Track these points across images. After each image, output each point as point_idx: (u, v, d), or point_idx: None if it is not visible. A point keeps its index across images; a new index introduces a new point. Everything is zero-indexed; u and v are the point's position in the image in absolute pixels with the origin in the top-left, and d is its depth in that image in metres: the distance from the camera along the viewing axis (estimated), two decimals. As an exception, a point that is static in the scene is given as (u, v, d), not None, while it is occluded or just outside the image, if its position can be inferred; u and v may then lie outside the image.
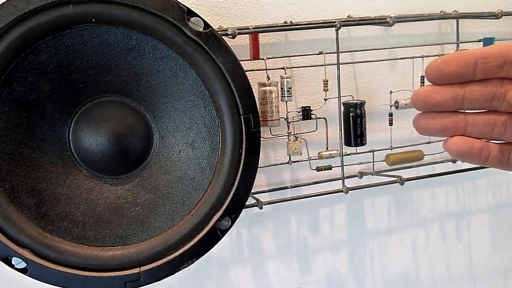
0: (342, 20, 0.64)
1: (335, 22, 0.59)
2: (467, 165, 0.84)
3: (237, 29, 0.60)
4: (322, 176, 0.74)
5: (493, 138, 0.26)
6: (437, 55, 0.75)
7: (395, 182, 0.69)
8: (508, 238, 0.96)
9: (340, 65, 0.73)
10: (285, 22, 0.68)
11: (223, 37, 0.55)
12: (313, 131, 0.70)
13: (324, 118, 0.70)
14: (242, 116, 0.55)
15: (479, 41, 0.77)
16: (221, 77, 0.53)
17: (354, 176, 0.77)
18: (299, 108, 0.68)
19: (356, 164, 0.76)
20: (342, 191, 0.66)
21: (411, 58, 0.73)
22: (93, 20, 0.50)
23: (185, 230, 0.56)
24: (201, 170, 0.57)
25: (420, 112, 0.27)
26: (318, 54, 0.69)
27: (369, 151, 0.75)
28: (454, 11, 0.78)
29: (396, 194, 0.84)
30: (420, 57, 0.73)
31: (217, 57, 0.53)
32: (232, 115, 0.55)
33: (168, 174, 0.58)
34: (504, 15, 0.71)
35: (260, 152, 0.74)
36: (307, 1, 0.72)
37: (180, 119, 0.57)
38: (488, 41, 0.75)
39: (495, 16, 0.68)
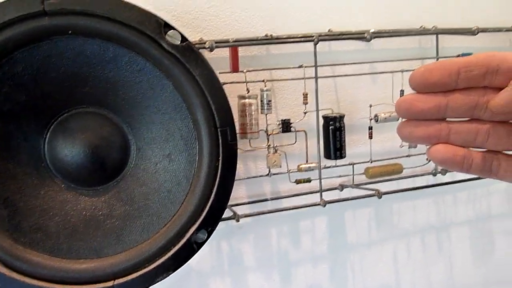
0: (322, 34, 0.65)
1: (313, 36, 0.60)
2: (447, 178, 0.85)
3: (216, 42, 0.60)
4: (302, 189, 0.74)
5: (476, 146, 0.27)
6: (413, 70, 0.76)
7: (373, 196, 0.70)
8: (488, 251, 0.96)
9: (321, 79, 0.74)
10: (266, 35, 0.68)
11: (201, 50, 0.55)
12: (293, 144, 0.70)
13: (304, 131, 0.70)
14: (219, 129, 0.55)
15: (458, 56, 0.78)
16: (198, 90, 0.54)
17: (335, 188, 0.78)
18: (280, 120, 0.68)
19: (336, 177, 0.76)
20: (319, 205, 0.66)
21: (391, 72, 0.74)
22: (69, 31, 0.50)
23: (160, 243, 0.56)
24: (178, 182, 0.57)
25: (404, 120, 0.27)
26: (298, 67, 0.69)
27: (349, 164, 0.75)
28: (433, 26, 0.79)
29: (377, 207, 0.84)
30: (400, 71, 0.74)
31: (194, 70, 0.53)
32: (209, 128, 0.55)
33: (144, 186, 0.58)
34: (481, 31, 0.72)
35: (241, 164, 0.75)
36: (289, 14, 0.73)
37: (157, 131, 0.57)
38: (465, 56, 0.76)
39: (471, 32, 0.69)
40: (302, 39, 0.62)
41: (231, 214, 0.66)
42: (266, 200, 0.74)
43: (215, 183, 0.56)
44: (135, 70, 0.54)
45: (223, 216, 0.59)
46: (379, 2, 0.79)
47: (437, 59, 0.80)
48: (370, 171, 0.72)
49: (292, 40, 0.63)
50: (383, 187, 0.80)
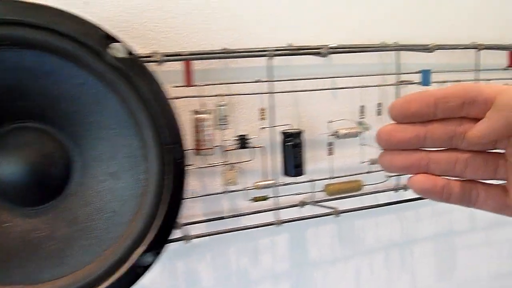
0: (278, 48, 0.63)
1: (266, 52, 0.58)
2: (409, 195, 0.84)
3: (168, 56, 0.58)
4: (261, 206, 0.72)
5: (455, 175, 0.27)
6: (377, 86, 0.76)
7: (330, 214, 0.68)
8: (451, 266, 0.96)
9: (281, 93, 0.73)
10: (223, 49, 0.67)
11: (152, 63, 0.53)
12: (250, 161, 0.68)
13: (262, 147, 0.68)
14: (166, 147, 0.52)
15: (418, 72, 0.78)
16: (144, 105, 0.51)
17: (296, 205, 0.76)
18: (237, 136, 0.66)
19: (294, 194, 0.74)
20: (274, 224, 0.64)
21: (350, 88, 0.73)
22: (7, 42, 0.47)
23: (105, 266, 0.53)
24: (124, 202, 0.54)
25: (384, 150, 0.28)
26: (254, 82, 0.67)
27: (309, 181, 0.73)
28: (394, 42, 0.79)
29: (339, 224, 0.83)
30: (359, 87, 0.73)
31: (140, 85, 0.50)
32: (157, 145, 0.52)
33: (88, 206, 0.55)
34: (438, 49, 0.72)
35: (197, 181, 0.72)
36: (248, 27, 0.72)
37: (102, 148, 0.54)
38: (425, 73, 0.76)
39: (428, 49, 0.69)
40: (257, 53, 0.60)
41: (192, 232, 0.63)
42: (222, 218, 0.71)
43: (162, 203, 0.53)
44: (77, 84, 0.51)
45: (174, 237, 0.57)
46: (341, 17, 0.78)
47: (398, 75, 0.80)
48: (329, 188, 0.71)
49: (246, 54, 0.62)
50: (345, 203, 0.80)
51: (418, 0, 0.83)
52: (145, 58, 0.54)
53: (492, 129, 0.24)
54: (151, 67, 0.52)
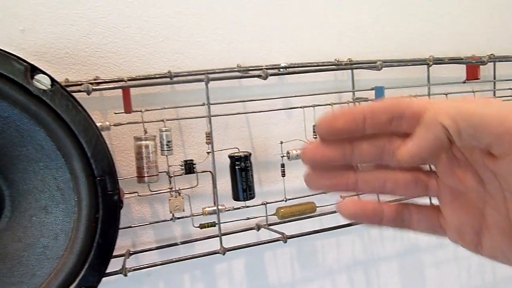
0: (214, 71, 0.62)
1: (202, 75, 0.57)
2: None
3: (102, 83, 0.57)
4: (213, 232, 0.70)
5: (386, 193, 0.26)
6: (329, 104, 0.75)
7: (277, 240, 0.66)
8: (419, 284, 0.94)
9: (233, 115, 0.71)
10: (168, 72, 0.65)
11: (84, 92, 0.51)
12: (195, 187, 0.66)
13: (209, 172, 0.66)
14: (96, 179, 0.51)
15: (372, 89, 0.77)
16: (72, 137, 0.49)
17: (251, 229, 0.74)
18: (182, 161, 0.65)
19: (245, 219, 0.72)
20: (219, 253, 0.62)
21: (301, 107, 0.72)
22: None
23: (36, 304, 0.50)
24: (55, 236, 0.52)
25: (310, 168, 0.26)
26: (201, 105, 0.66)
27: (261, 204, 0.72)
28: (348, 59, 0.78)
29: (299, 245, 0.81)
30: (311, 106, 0.72)
31: (66, 115, 0.49)
32: (87, 177, 0.51)
33: (19, 242, 0.53)
34: (386, 66, 0.71)
35: (148, 207, 0.70)
36: (193, 49, 0.70)
37: (31, 182, 0.52)
38: (378, 90, 0.75)
39: (375, 67, 0.68)
40: (191, 78, 0.59)
41: (137, 264, 0.61)
42: (175, 244, 0.69)
43: (95, 236, 0.52)
44: (1, 117, 0.49)
45: (109, 271, 0.55)
46: (293, 35, 0.77)
47: (353, 93, 0.79)
48: (281, 211, 0.69)
49: (183, 80, 0.60)
50: (304, 225, 0.78)
51: (372, 16, 0.83)
52: (74, 87, 0.53)
53: (421, 148, 0.22)
54: (89, 94, 0.50)
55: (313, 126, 0.73)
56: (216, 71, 0.64)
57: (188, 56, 0.70)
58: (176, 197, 0.64)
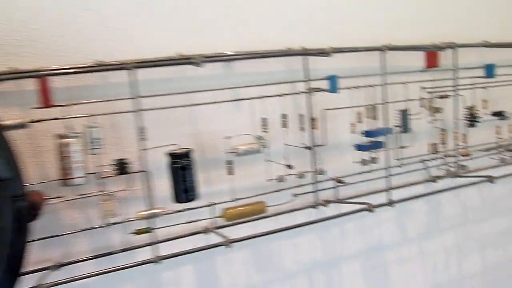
0: (139, 61, 0.56)
1: (128, 64, 0.50)
2: (331, 211, 0.78)
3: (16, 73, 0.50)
4: (160, 235, 0.64)
5: None
6: (279, 95, 0.69)
7: (220, 245, 0.61)
8: (384, 282, 0.90)
9: (176, 108, 0.65)
10: (96, 62, 0.59)
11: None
12: (130, 188, 0.60)
13: (145, 172, 0.60)
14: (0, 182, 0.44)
15: (326, 78, 0.72)
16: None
17: (200, 232, 0.68)
18: (114, 161, 0.58)
19: (187, 222, 0.65)
20: (154, 261, 0.56)
21: (249, 99, 0.66)
22: None
23: None
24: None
25: None
26: (131, 98, 0.59)
27: (208, 205, 0.66)
28: (301, 47, 0.73)
29: (253, 248, 0.75)
30: (259, 97, 0.67)
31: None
32: (-13, 181, 0.43)
33: None
34: (336, 52, 0.66)
35: (79, 213, 0.63)
36: (128, 37, 0.64)
37: None
38: (332, 79, 0.70)
39: (326, 54, 0.63)
40: (115, 67, 0.53)
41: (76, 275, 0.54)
42: (111, 253, 0.63)
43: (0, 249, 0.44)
44: None
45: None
46: (241, 23, 0.71)
47: (307, 82, 0.73)
48: (228, 213, 0.63)
49: (105, 68, 0.54)
50: (260, 225, 0.73)
51: (327, 3, 0.78)
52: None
53: None
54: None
55: (262, 119, 0.68)
56: (148, 60, 0.57)
57: (121, 44, 0.63)
58: (108, 200, 0.58)
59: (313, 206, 0.77)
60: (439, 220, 0.97)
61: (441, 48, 0.70)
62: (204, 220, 0.66)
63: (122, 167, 0.58)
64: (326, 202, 0.77)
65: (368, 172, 0.79)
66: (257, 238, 0.69)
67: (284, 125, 0.71)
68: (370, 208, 0.70)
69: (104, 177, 0.58)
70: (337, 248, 0.84)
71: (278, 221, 0.75)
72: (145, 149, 0.58)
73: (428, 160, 0.87)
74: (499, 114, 0.91)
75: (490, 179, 0.81)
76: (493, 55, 0.95)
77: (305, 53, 0.67)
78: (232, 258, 0.74)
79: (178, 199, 0.61)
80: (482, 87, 0.91)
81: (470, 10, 0.94)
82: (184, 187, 0.60)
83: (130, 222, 0.61)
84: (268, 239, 0.75)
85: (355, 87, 0.73)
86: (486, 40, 0.92)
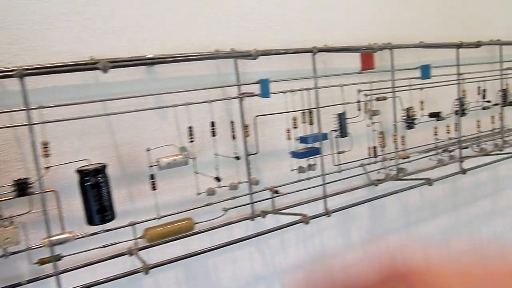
0: (35, 67, 0.49)
1: (13, 71, 0.43)
2: (270, 222, 0.74)
3: None
4: (74, 262, 0.56)
5: None
6: (207, 101, 0.64)
7: (137, 272, 0.55)
8: (328, 293, 0.87)
9: (91, 118, 0.58)
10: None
11: None
12: (29, 212, 0.52)
13: (54, 191, 0.53)
14: None
15: (257, 82, 0.68)
16: None
17: (122, 254, 0.61)
18: (14, 181, 0.51)
19: (102, 247, 0.59)
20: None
21: (172, 106, 0.61)
22: None
23: None
24: None
25: None
26: (36, 108, 0.52)
27: (129, 225, 0.60)
28: (231, 49, 0.68)
29: (186, 266, 0.70)
30: (184, 104, 0.61)
31: None
32: None
33: None
34: (262, 55, 0.62)
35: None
36: (33, 39, 0.56)
37: None
38: (263, 83, 0.66)
39: (251, 56, 0.59)
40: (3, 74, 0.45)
41: None
42: (18, 285, 0.55)
43: None
44: None
45: None
46: (166, 24, 0.65)
47: (239, 87, 0.69)
48: (148, 233, 0.57)
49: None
50: (194, 240, 0.67)
51: (257, 5, 0.74)
52: None
53: None
54: None
55: (188, 128, 0.62)
56: (42, 66, 0.50)
57: (25, 48, 0.55)
58: (6, 227, 0.50)
59: (250, 218, 0.73)
60: (382, 223, 0.95)
61: (374, 49, 0.68)
62: (125, 242, 0.60)
63: (22, 188, 0.51)
64: (263, 213, 0.73)
65: (307, 179, 0.76)
66: (191, 257, 0.64)
67: (213, 133, 0.65)
68: (305, 220, 0.67)
69: (0, 200, 0.50)
70: (278, 260, 0.80)
71: (213, 235, 0.70)
72: (48, 167, 0.51)
73: (367, 164, 0.86)
74: (436, 115, 0.91)
75: (429, 181, 0.80)
76: (428, 55, 0.95)
77: (231, 55, 0.62)
78: (162, 280, 0.68)
79: (92, 221, 0.54)
80: (419, 88, 0.91)
81: (406, 10, 0.94)
82: (98, 208, 0.53)
83: (38, 249, 0.54)
84: (202, 256, 0.70)
85: (288, 91, 0.69)
86: (422, 40, 0.92)
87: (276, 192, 0.71)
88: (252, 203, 0.71)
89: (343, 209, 0.79)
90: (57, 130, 0.57)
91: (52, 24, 0.57)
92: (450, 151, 0.96)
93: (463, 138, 0.97)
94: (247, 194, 0.70)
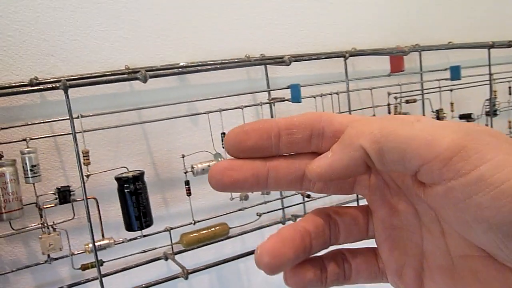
0: (75, 77, 0.50)
1: (59, 83, 0.45)
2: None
3: None
4: (107, 267, 0.58)
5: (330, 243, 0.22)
6: (239, 107, 0.65)
7: (176, 277, 0.56)
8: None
9: (127, 126, 0.59)
10: (33, 79, 0.53)
11: None
12: (72, 219, 0.54)
13: (94, 199, 0.54)
14: None
15: (288, 87, 0.68)
16: None
17: (158, 258, 0.63)
18: (56, 189, 0.52)
19: (141, 252, 0.60)
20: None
21: (206, 113, 0.62)
22: None
23: None
24: None
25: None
26: (76, 118, 0.53)
27: (165, 230, 0.61)
28: (261, 55, 0.69)
29: (218, 270, 0.70)
30: (217, 111, 0.62)
31: None
32: None
33: None
34: (295, 61, 0.62)
35: (22, 248, 0.57)
36: (68, 50, 0.58)
37: None
38: (294, 88, 0.66)
39: (284, 63, 0.59)
40: (48, 86, 0.47)
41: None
42: (59, 290, 0.56)
43: None
44: None
45: None
46: (196, 31, 0.66)
47: (269, 92, 0.69)
48: (185, 238, 0.58)
49: (32, 90, 0.48)
50: (226, 245, 0.68)
51: (285, 10, 0.74)
52: None
53: (332, 168, 0.19)
54: None
55: (221, 134, 0.63)
56: (82, 76, 0.52)
57: (60, 58, 0.57)
58: (49, 233, 0.52)
59: (281, 222, 0.73)
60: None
61: (405, 52, 0.68)
62: (161, 248, 0.61)
63: (64, 196, 0.52)
64: (294, 217, 0.73)
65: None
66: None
67: (246, 139, 0.66)
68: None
69: (43, 207, 0.52)
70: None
71: (245, 240, 0.71)
72: (88, 175, 0.52)
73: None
74: (467, 117, 0.89)
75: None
76: (457, 56, 0.93)
77: (262, 62, 0.63)
78: (196, 284, 0.69)
79: (131, 227, 0.55)
80: (449, 90, 0.89)
81: (434, 11, 0.93)
82: (136, 214, 0.54)
83: (80, 254, 0.55)
84: (235, 260, 0.70)
85: (318, 95, 0.69)
86: (450, 41, 0.91)
87: (308, 196, 0.71)
88: (283, 208, 0.72)
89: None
90: (94, 139, 0.59)
91: (84, 34, 0.59)
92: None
93: (494, 140, 0.95)
94: (279, 199, 0.71)
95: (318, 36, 0.77)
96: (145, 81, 0.48)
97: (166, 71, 0.58)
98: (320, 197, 0.75)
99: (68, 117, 0.48)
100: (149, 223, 0.56)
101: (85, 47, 0.59)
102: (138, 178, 0.55)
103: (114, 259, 0.57)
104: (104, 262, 0.54)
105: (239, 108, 0.65)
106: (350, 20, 0.81)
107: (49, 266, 0.57)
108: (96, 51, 0.59)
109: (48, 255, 0.53)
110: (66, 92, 0.44)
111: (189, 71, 0.58)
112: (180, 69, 0.61)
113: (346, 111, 0.72)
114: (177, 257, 0.64)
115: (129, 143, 0.62)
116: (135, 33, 0.62)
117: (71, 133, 0.47)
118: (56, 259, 0.54)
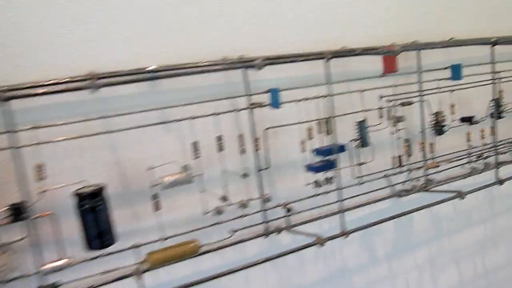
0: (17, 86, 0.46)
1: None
2: (286, 239, 0.70)
3: None
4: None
5: None
6: (214, 114, 0.60)
7: None
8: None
9: (92, 136, 0.55)
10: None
11: None
12: (24, 238, 0.50)
13: (52, 214, 0.51)
14: None
15: (268, 92, 0.63)
16: None
17: (127, 276, 0.58)
18: (8, 206, 0.49)
19: (106, 272, 0.56)
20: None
21: (176, 121, 0.57)
22: None
23: None
24: None
25: None
26: (27, 129, 0.49)
27: (131, 247, 0.57)
28: (240, 56, 0.64)
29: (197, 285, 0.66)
30: (190, 118, 0.58)
31: None
32: None
33: None
34: (267, 64, 0.57)
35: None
36: (32, 54, 0.54)
37: None
38: (274, 93, 0.61)
39: (254, 67, 0.55)
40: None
41: None
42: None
43: None
44: None
45: None
46: (169, 33, 0.62)
47: (248, 97, 0.64)
48: (151, 259, 0.54)
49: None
50: (204, 259, 0.64)
51: (271, 6, 0.69)
52: None
53: None
54: None
55: (192, 143, 0.59)
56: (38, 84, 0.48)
57: (21, 65, 0.53)
58: (2, 253, 0.48)
59: (264, 235, 0.68)
60: (410, 236, 0.89)
61: (395, 51, 0.62)
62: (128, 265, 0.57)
63: (16, 213, 0.48)
64: (278, 230, 0.69)
65: (324, 193, 0.71)
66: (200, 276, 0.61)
67: (220, 148, 0.61)
68: (320, 242, 0.62)
69: (-4, 226, 0.48)
70: (295, 278, 0.75)
71: (225, 253, 0.67)
72: (44, 190, 0.49)
73: (392, 175, 0.79)
74: (468, 120, 0.83)
75: (460, 195, 0.73)
76: (459, 52, 0.87)
77: (236, 66, 0.58)
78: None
79: (91, 246, 0.51)
80: (449, 90, 0.83)
81: (434, 4, 0.86)
82: (96, 232, 0.51)
83: (35, 275, 0.52)
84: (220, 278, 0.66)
85: (302, 99, 0.64)
86: (452, 37, 0.85)
87: (289, 210, 0.66)
88: (265, 222, 0.67)
89: (364, 228, 0.72)
90: (56, 149, 0.55)
91: (49, 38, 0.55)
92: (485, 158, 0.88)
93: (499, 144, 0.89)
94: (259, 211, 0.66)
95: (308, 32, 0.72)
96: (94, 91, 0.43)
97: (131, 76, 0.54)
98: (303, 211, 0.71)
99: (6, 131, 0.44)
100: (109, 242, 0.52)
101: (48, 51, 0.55)
102: (97, 194, 0.51)
103: (74, 280, 0.53)
104: (60, 285, 0.50)
105: (214, 114, 0.60)
106: (342, 15, 0.75)
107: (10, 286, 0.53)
108: (58, 55, 0.55)
109: (2, 276, 0.50)
110: (5, 103, 0.40)
111: (156, 77, 0.53)
112: (149, 74, 0.56)
113: (330, 117, 0.66)
114: (150, 272, 0.60)
115: (94, 153, 0.58)
116: (101, 36, 0.58)
117: (12, 147, 0.43)
118: (10, 280, 0.51)
